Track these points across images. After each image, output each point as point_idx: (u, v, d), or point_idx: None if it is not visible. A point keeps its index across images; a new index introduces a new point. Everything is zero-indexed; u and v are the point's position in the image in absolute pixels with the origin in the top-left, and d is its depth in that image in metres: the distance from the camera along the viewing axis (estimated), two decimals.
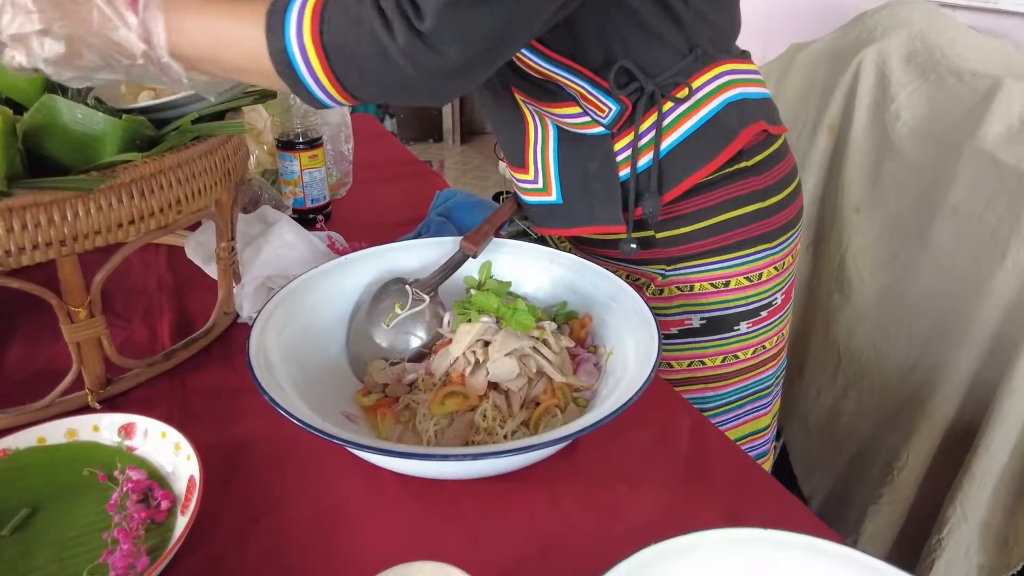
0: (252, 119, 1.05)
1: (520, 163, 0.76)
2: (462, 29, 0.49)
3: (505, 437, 0.55)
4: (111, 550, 0.47)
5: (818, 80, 1.27)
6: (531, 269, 0.70)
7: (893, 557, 1.18)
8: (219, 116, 0.70)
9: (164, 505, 0.51)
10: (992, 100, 1.01)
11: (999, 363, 0.97)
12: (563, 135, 0.71)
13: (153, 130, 0.63)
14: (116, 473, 0.53)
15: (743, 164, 0.70)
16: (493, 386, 0.57)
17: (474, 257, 0.69)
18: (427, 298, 0.64)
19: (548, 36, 0.61)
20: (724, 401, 0.79)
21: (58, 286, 0.58)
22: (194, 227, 0.82)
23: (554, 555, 0.47)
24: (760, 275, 0.74)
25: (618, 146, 0.69)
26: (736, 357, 0.77)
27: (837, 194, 1.23)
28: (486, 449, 0.46)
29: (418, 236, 0.90)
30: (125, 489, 0.52)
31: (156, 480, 0.53)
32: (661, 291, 0.75)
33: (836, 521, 1.26)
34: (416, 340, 0.64)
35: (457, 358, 0.58)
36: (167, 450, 0.54)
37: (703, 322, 0.75)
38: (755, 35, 1.82)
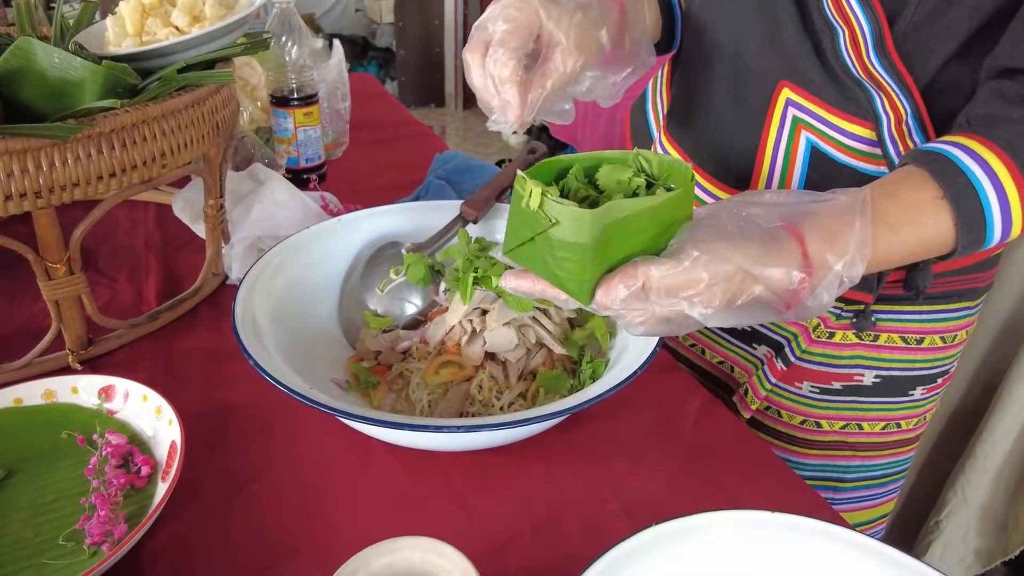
0: (246, 74, 1.00)
1: (730, 176, 0.61)
2: None
3: (501, 409, 0.53)
4: (88, 516, 0.45)
5: None
6: None
7: (891, 537, 1.17)
8: (209, 66, 0.66)
9: (144, 471, 0.49)
10: None
11: (1009, 348, 0.94)
12: (816, 158, 0.55)
13: (137, 79, 0.60)
14: (95, 437, 0.51)
15: None
16: (490, 356, 0.55)
17: (475, 223, 0.66)
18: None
19: (913, 25, 0.48)
20: (863, 475, 0.67)
21: (36, 241, 0.55)
22: (182, 184, 0.79)
23: (549, 532, 0.45)
24: (955, 337, 0.62)
25: None
26: (898, 426, 0.65)
27: None
28: (481, 421, 0.43)
29: (416, 199, 0.87)
30: (104, 453, 0.50)
31: (137, 445, 0.51)
32: (832, 335, 0.60)
33: None
34: (411, 307, 0.61)
35: (453, 327, 0.56)
36: (148, 414, 0.52)
37: (876, 381, 0.62)
38: None
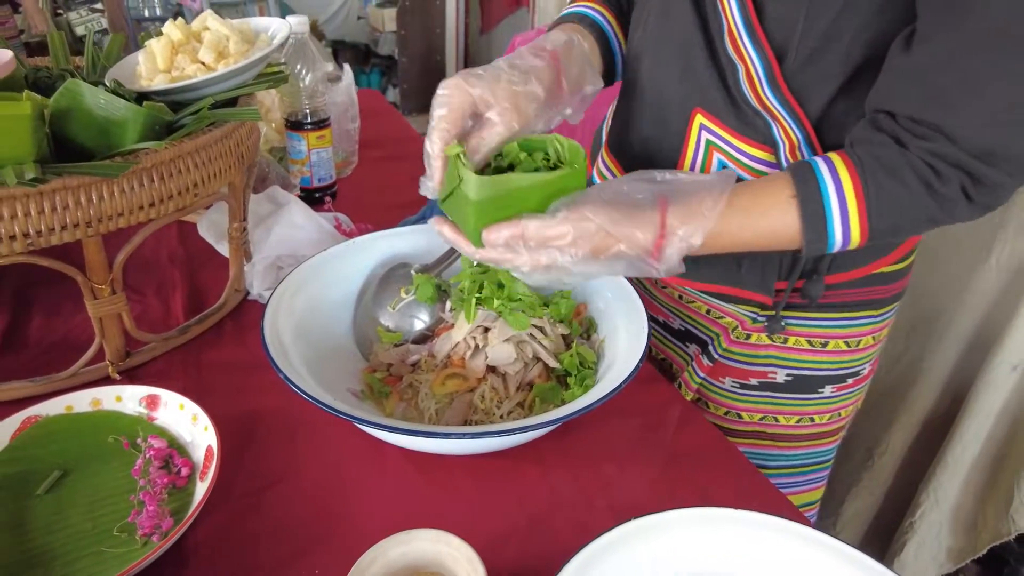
0: (260, 96, 1.07)
1: None
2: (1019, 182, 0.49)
3: (501, 417, 0.59)
4: (138, 511, 0.51)
5: None
6: None
7: (869, 537, 1.24)
8: (233, 101, 0.72)
9: (184, 472, 0.55)
10: None
11: (977, 358, 1.01)
12: None
13: (171, 114, 0.66)
14: (139, 441, 0.57)
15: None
16: (491, 369, 0.61)
17: None
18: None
19: (798, 64, 0.55)
20: (786, 464, 0.75)
21: (82, 264, 0.61)
22: (207, 205, 0.85)
23: (542, 526, 0.51)
24: (859, 342, 0.69)
25: None
26: (812, 420, 0.73)
27: None
28: (483, 429, 0.50)
29: (422, 218, 0.93)
30: (148, 456, 0.56)
31: (176, 448, 0.57)
32: (748, 336, 0.69)
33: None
34: (420, 323, 0.67)
35: (458, 342, 0.62)
36: (186, 421, 0.58)
37: (788, 379, 0.70)
38: None
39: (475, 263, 0.66)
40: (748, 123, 0.59)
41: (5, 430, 0.57)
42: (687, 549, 0.44)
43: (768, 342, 0.69)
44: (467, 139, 0.52)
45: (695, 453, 0.59)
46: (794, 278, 0.64)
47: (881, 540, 1.20)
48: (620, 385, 0.52)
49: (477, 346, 0.61)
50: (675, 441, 0.60)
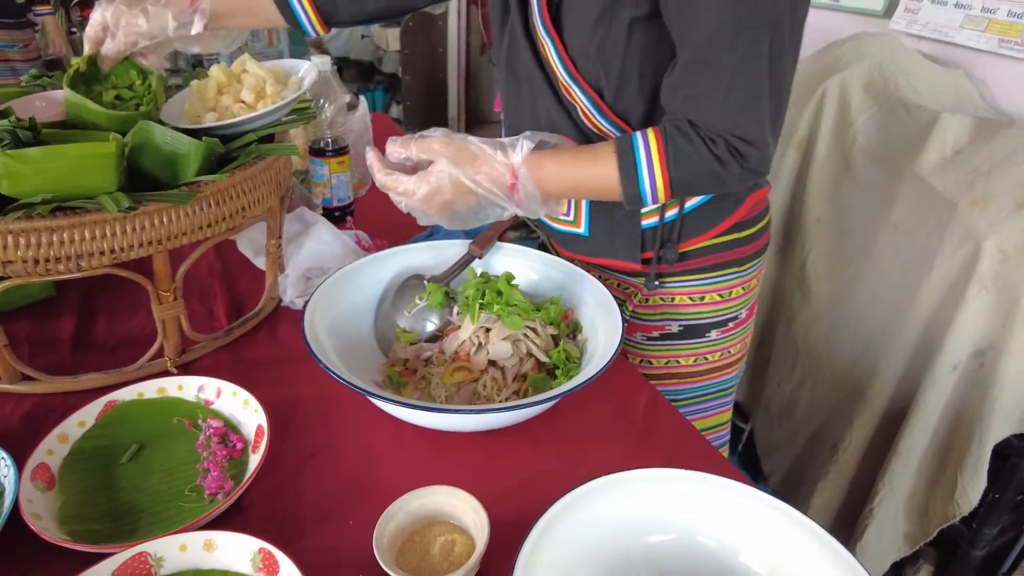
0: None
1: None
2: (773, 150, 0.68)
3: (501, 403, 0.71)
4: (203, 476, 0.63)
5: (790, 102, 1.41)
6: (527, 268, 0.86)
7: (837, 525, 1.35)
8: (270, 136, 0.85)
9: (239, 446, 0.67)
10: (930, 132, 1.16)
11: (923, 360, 1.13)
12: None
13: (223, 147, 0.78)
14: (199, 421, 0.69)
15: (744, 217, 0.85)
16: (492, 363, 0.73)
17: (480, 258, 0.85)
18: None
19: (612, 98, 0.75)
20: (693, 395, 0.93)
21: (150, 274, 0.73)
22: (250, 225, 0.97)
23: (532, 488, 0.63)
24: (730, 293, 0.88)
25: None
26: (706, 359, 0.91)
27: (802, 205, 1.38)
28: (484, 407, 0.61)
29: (430, 235, 1.06)
30: (208, 433, 0.67)
31: (230, 428, 0.69)
32: (647, 300, 0.88)
33: (791, 495, 1.43)
34: (431, 325, 0.79)
35: (464, 340, 0.74)
36: (238, 405, 0.70)
37: (680, 328, 0.89)
38: None
39: (478, 275, 0.78)
40: (592, 142, 0.78)
41: (91, 412, 0.69)
42: (638, 500, 0.56)
43: (661, 302, 0.87)
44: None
45: (656, 428, 0.71)
46: (655, 248, 0.83)
47: (847, 528, 1.31)
48: (596, 374, 0.64)
49: (480, 344, 0.73)
50: (642, 421, 0.72)
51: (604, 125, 0.77)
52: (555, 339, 0.77)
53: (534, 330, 0.75)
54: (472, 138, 0.69)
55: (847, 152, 1.29)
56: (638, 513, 0.55)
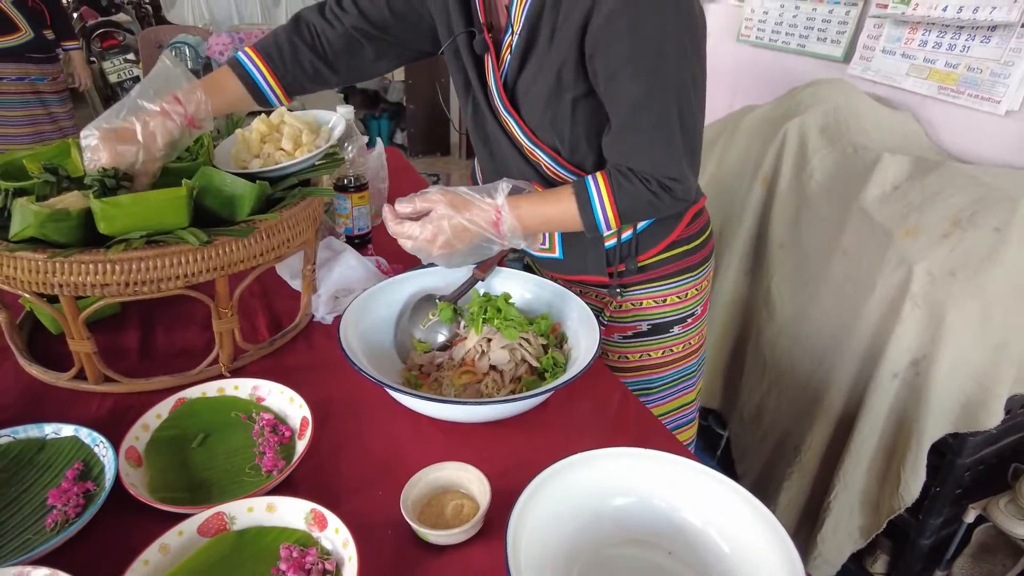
0: None
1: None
2: (693, 182, 0.86)
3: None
4: (260, 458, 0.78)
5: (756, 141, 1.58)
6: (522, 289, 1.02)
7: (802, 520, 1.50)
8: (307, 180, 1.02)
9: (287, 434, 0.82)
10: (874, 169, 1.33)
11: (869, 369, 1.29)
12: None
13: (270, 188, 0.95)
14: (253, 415, 0.84)
15: (686, 232, 1.04)
16: (493, 367, 0.89)
17: (482, 281, 1.01)
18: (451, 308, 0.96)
19: (568, 154, 0.93)
20: (663, 382, 1.13)
21: (211, 294, 0.89)
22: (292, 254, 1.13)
23: (527, 467, 0.78)
24: (686, 294, 1.07)
25: None
26: (671, 351, 1.10)
27: (767, 233, 1.54)
28: (486, 400, 0.77)
29: None
30: (261, 424, 0.83)
31: (279, 420, 0.84)
32: (620, 306, 1.07)
33: (761, 494, 1.57)
34: (442, 336, 0.95)
35: (469, 348, 0.90)
36: (284, 402, 0.86)
37: (649, 327, 1.08)
38: (727, 87, 2.14)
39: (481, 294, 0.94)
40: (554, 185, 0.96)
41: (165, 407, 0.84)
42: (606, 473, 0.71)
43: (631, 307, 1.05)
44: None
45: (627, 421, 0.87)
46: (617, 263, 1.00)
47: (811, 522, 1.46)
48: (577, 374, 0.80)
49: (483, 351, 0.89)
50: (615, 414, 0.88)
51: (564, 174, 0.95)
52: (545, 348, 0.93)
53: (528, 340, 0.91)
54: (462, 188, 0.86)
55: (805, 186, 1.46)
56: (606, 482, 0.70)
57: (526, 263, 1.19)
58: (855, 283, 1.31)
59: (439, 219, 0.83)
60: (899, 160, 1.33)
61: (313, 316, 1.07)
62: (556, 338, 0.95)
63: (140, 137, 0.87)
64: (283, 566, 0.64)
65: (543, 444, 0.82)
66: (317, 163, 1.05)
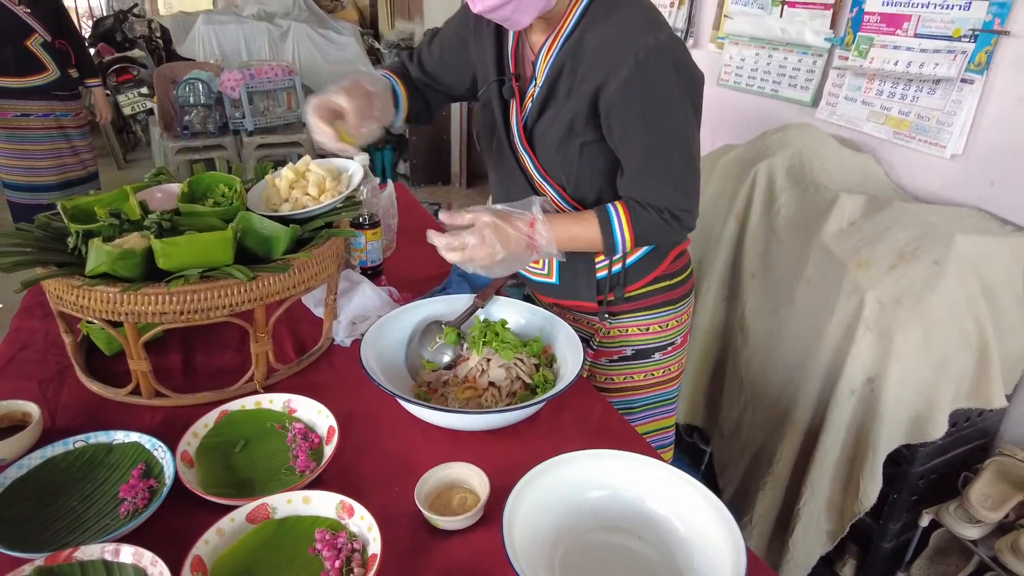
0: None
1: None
2: (696, 211, 1.02)
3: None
4: (294, 461, 0.92)
5: (730, 181, 1.75)
6: (516, 316, 1.16)
7: (776, 527, 1.63)
8: (330, 223, 1.17)
9: (316, 441, 0.96)
10: (832, 207, 1.49)
11: (830, 386, 1.43)
12: None
13: (302, 230, 1.10)
14: (286, 424, 0.98)
15: (670, 269, 1.19)
16: (491, 383, 1.03)
17: (482, 308, 1.15)
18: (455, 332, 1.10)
19: (572, 190, 1.07)
20: (645, 403, 1.26)
21: (250, 320, 1.04)
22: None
23: (520, 466, 0.91)
24: (668, 324, 1.21)
25: (599, 258, 1.15)
26: (653, 375, 1.24)
27: (740, 264, 1.70)
28: (485, 411, 0.91)
29: (444, 289, 1.37)
30: (293, 433, 0.97)
31: (309, 428, 0.98)
32: (608, 332, 1.20)
33: (740, 504, 1.70)
34: (447, 356, 1.10)
35: (471, 367, 1.04)
36: (312, 413, 1.00)
37: (633, 352, 1.21)
38: (709, 126, 2.31)
39: (481, 320, 1.09)
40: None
41: (211, 418, 0.98)
42: (586, 471, 0.85)
43: (618, 334, 1.19)
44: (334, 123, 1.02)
45: (607, 430, 1.01)
46: (606, 291, 1.15)
47: (784, 528, 1.58)
48: (563, 388, 0.95)
49: (483, 370, 1.04)
50: (596, 425, 1.02)
51: (565, 207, 1.11)
52: (537, 367, 1.07)
53: (522, 360, 1.05)
54: (499, 204, 1.02)
55: (773, 222, 1.61)
56: (585, 477, 0.84)
57: (526, 294, 1.34)
58: (817, 309, 1.46)
59: (484, 227, 0.96)
60: (855, 199, 1.49)
61: (334, 340, 1.21)
62: (546, 358, 1.10)
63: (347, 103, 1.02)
64: (319, 546, 0.77)
65: (534, 448, 0.96)
66: (339, 206, 1.20)
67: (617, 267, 1.15)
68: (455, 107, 4.63)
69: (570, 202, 1.10)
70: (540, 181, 1.10)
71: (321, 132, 1.02)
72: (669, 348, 1.22)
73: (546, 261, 1.19)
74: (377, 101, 1.07)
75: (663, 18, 0.97)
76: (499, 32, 1.10)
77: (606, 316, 1.18)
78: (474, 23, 1.13)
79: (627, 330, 1.19)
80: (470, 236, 0.97)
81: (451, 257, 0.99)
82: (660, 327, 1.20)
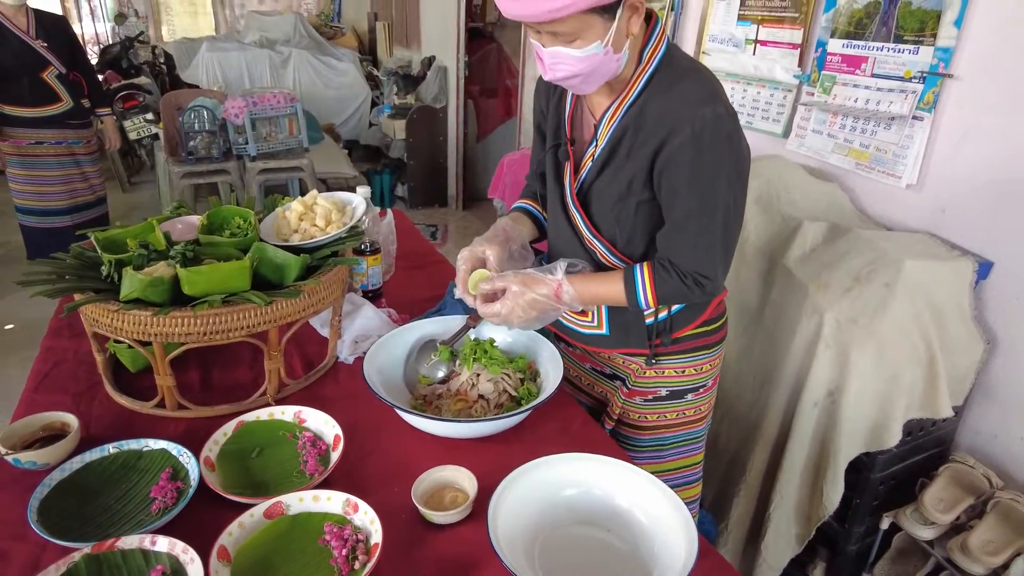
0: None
1: (581, 310, 1.21)
2: (722, 281, 1.08)
3: None
4: (304, 464, 1.04)
5: None
6: (504, 335, 1.28)
7: (751, 531, 1.73)
8: (336, 252, 1.29)
9: (323, 447, 1.08)
10: (796, 234, 1.61)
11: (795, 399, 1.55)
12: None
13: (311, 258, 1.23)
14: (296, 433, 1.10)
15: (711, 315, 1.23)
16: (481, 396, 1.15)
17: (474, 328, 1.28)
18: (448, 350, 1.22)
19: (623, 246, 1.14)
20: (675, 441, 1.29)
21: (264, 340, 1.16)
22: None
23: (504, 468, 1.03)
24: (702, 367, 1.25)
25: None
26: (684, 414, 1.27)
27: None
28: (475, 419, 1.03)
29: (439, 310, 1.49)
30: (303, 440, 1.08)
31: (317, 436, 1.10)
32: (645, 372, 1.24)
33: (718, 511, 1.81)
34: (441, 372, 1.21)
35: (463, 382, 1.16)
36: (320, 423, 1.11)
37: (667, 392, 1.25)
38: None
39: (472, 339, 1.21)
40: (606, 269, 1.19)
41: (229, 427, 1.10)
42: (558, 471, 0.97)
43: (655, 375, 1.24)
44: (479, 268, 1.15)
45: (586, 439, 1.13)
46: (654, 338, 1.21)
47: (758, 534, 1.69)
48: (544, 399, 1.06)
49: (473, 384, 1.15)
50: (576, 434, 1.14)
51: (615, 261, 1.16)
52: (522, 381, 1.19)
53: (508, 375, 1.17)
54: (530, 269, 1.11)
55: (743, 248, 1.75)
56: (560, 477, 0.96)
57: (555, 335, 1.37)
58: (782, 328, 1.59)
59: (515, 297, 1.08)
60: (817, 226, 1.62)
61: (338, 357, 1.33)
62: (530, 373, 1.22)
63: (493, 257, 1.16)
64: (327, 537, 0.89)
65: (518, 453, 1.08)
66: (344, 236, 1.33)
67: (663, 314, 1.18)
68: (451, 132, 4.79)
69: (620, 256, 1.15)
70: (590, 238, 1.16)
71: (461, 283, 1.16)
72: (701, 390, 1.26)
73: (595, 313, 1.23)
74: (516, 239, 1.21)
75: (722, 89, 1.02)
76: (560, 101, 1.20)
77: (653, 360, 1.22)
78: (544, 96, 1.24)
79: (664, 371, 1.23)
80: (502, 305, 1.09)
81: (492, 321, 1.13)
82: (695, 370, 1.23)
